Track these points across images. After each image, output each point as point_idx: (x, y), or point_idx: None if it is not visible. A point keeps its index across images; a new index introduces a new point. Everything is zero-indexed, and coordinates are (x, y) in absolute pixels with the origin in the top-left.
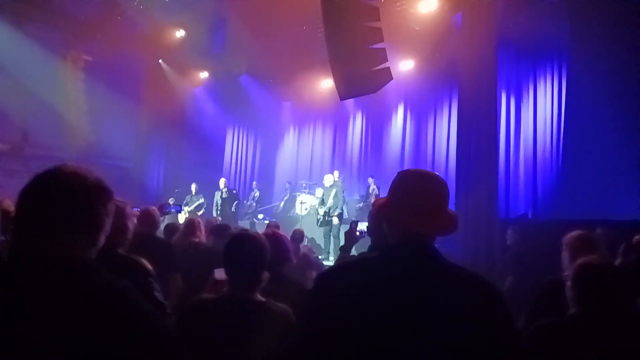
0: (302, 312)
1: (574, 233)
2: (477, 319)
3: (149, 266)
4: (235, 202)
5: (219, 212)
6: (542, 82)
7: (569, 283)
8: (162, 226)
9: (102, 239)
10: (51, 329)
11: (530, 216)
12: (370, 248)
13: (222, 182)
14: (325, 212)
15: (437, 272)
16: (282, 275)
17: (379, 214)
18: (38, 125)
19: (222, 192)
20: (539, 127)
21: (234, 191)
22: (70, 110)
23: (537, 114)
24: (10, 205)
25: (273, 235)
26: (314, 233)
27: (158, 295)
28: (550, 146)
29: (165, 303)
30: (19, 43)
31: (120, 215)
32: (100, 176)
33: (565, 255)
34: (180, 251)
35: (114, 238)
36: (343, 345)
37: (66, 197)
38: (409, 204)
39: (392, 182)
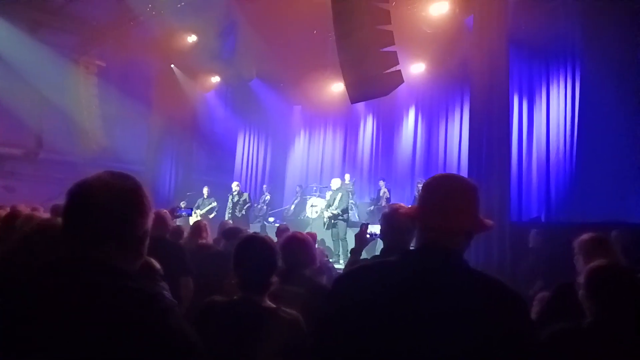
0: (319, 315)
1: (586, 236)
2: (496, 324)
3: (157, 265)
4: (247, 205)
5: (230, 216)
6: (554, 83)
7: (581, 291)
8: None
9: (144, 252)
10: (78, 332)
11: (543, 219)
12: (383, 251)
13: (234, 185)
14: (329, 216)
15: (457, 277)
16: (304, 277)
17: (410, 217)
18: (52, 130)
19: (233, 196)
20: (552, 129)
21: (246, 194)
22: (83, 115)
23: (550, 115)
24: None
25: (297, 237)
26: (323, 236)
27: (167, 293)
28: (563, 148)
29: (175, 302)
30: (34, 49)
31: None
32: (139, 185)
33: (578, 259)
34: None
35: None
36: (360, 349)
37: (100, 214)
38: (431, 208)
39: (422, 186)
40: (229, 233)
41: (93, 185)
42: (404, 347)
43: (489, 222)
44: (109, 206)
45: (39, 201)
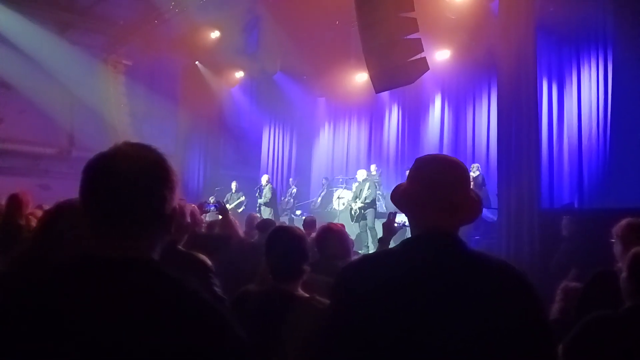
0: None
1: (624, 222)
2: (503, 307)
3: (209, 262)
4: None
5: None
6: (585, 68)
7: (623, 274)
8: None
9: (171, 230)
10: (121, 335)
11: (576, 205)
12: None
13: (264, 178)
14: (359, 207)
15: (459, 262)
16: (336, 268)
17: (397, 204)
18: (83, 128)
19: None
20: (584, 114)
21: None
22: (112, 112)
23: (581, 100)
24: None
25: (333, 229)
26: (350, 228)
27: (218, 290)
28: (596, 133)
29: (225, 298)
30: (63, 50)
31: (180, 212)
32: (161, 155)
33: (617, 246)
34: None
35: (174, 234)
36: (367, 339)
37: (126, 187)
38: (426, 193)
39: (410, 169)
40: (261, 225)
41: (114, 158)
42: (411, 335)
43: (479, 204)
44: (133, 180)
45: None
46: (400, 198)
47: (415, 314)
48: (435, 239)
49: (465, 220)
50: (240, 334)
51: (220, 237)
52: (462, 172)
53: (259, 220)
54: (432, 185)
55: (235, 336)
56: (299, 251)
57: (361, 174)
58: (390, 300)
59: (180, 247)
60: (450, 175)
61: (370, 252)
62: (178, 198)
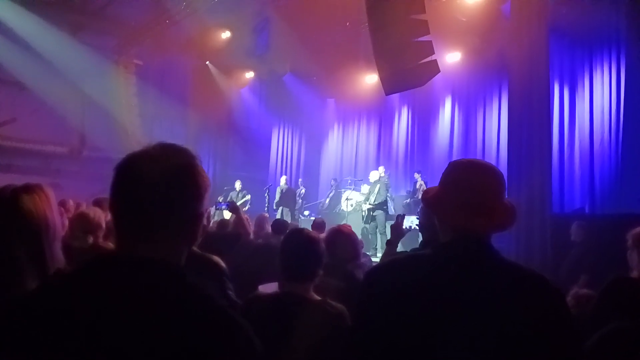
0: (353, 308)
1: None
2: (534, 318)
3: (223, 264)
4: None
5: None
6: (598, 70)
7: None
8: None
9: (197, 237)
10: (132, 338)
11: (587, 210)
12: (423, 244)
13: (282, 180)
14: (367, 208)
15: (492, 270)
16: (345, 271)
17: (429, 207)
18: (94, 128)
19: (282, 189)
20: (596, 118)
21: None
22: (123, 113)
23: (593, 103)
24: (72, 206)
25: (342, 231)
26: (358, 229)
27: (231, 294)
28: (608, 137)
29: (238, 302)
30: (75, 51)
31: None
32: (190, 159)
33: (632, 253)
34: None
35: None
36: (391, 342)
37: (145, 191)
38: (460, 198)
39: (443, 173)
40: (275, 227)
41: (139, 160)
42: (437, 341)
43: (513, 211)
44: (157, 187)
45: (84, 197)
46: (433, 201)
47: (444, 320)
48: (469, 246)
49: (499, 227)
50: (255, 342)
51: (230, 235)
52: (497, 177)
53: (268, 220)
54: (467, 190)
55: (250, 344)
56: (314, 254)
57: (374, 175)
58: (419, 305)
59: (195, 248)
60: (486, 180)
61: (378, 254)
62: (207, 203)
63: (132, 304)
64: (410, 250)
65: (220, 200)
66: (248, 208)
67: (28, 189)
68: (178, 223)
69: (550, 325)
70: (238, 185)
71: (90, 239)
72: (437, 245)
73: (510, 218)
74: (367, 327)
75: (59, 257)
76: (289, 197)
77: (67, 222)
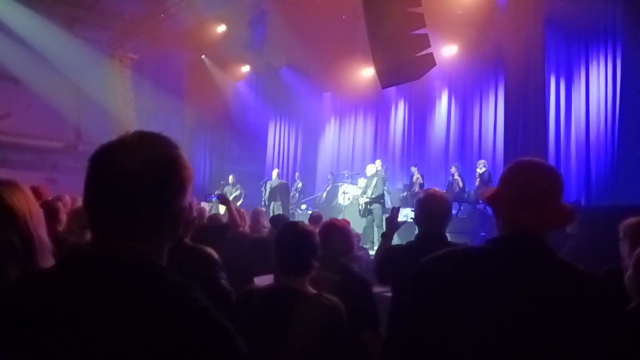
0: (406, 299)
1: (633, 219)
2: (589, 318)
3: (216, 255)
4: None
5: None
6: (594, 63)
7: (629, 272)
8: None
9: (179, 232)
10: (108, 338)
11: (583, 202)
12: (418, 237)
13: (274, 173)
14: (365, 202)
15: (550, 268)
16: (340, 264)
17: (488, 203)
18: (90, 122)
19: (271, 185)
20: (592, 110)
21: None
22: (119, 107)
23: (589, 96)
24: (68, 201)
25: (335, 224)
26: (355, 223)
27: (224, 282)
28: (604, 129)
29: (231, 290)
30: (70, 44)
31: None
32: (171, 149)
33: (624, 244)
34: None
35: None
36: (447, 335)
37: (123, 185)
38: (519, 195)
39: (503, 173)
40: (274, 220)
41: (116, 151)
42: (494, 337)
43: (571, 211)
44: (137, 180)
45: (80, 192)
46: (494, 199)
47: (499, 316)
48: (527, 242)
49: (555, 226)
50: (239, 344)
51: (217, 227)
52: (556, 178)
53: (264, 214)
54: (526, 187)
55: (234, 347)
56: (308, 246)
57: (370, 169)
58: (477, 298)
59: (186, 240)
60: (545, 180)
61: (375, 247)
62: (190, 197)
63: (107, 306)
64: (406, 243)
65: (216, 193)
66: (242, 202)
67: (2, 183)
68: (159, 219)
69: (604, 325)
70: (231, 179)
71: (88, 235)
72: (495, 239)
73: (567, 218)
74: (419, 317)
75: (45, 240)
76: (280, 190)
77: (64, 218)
